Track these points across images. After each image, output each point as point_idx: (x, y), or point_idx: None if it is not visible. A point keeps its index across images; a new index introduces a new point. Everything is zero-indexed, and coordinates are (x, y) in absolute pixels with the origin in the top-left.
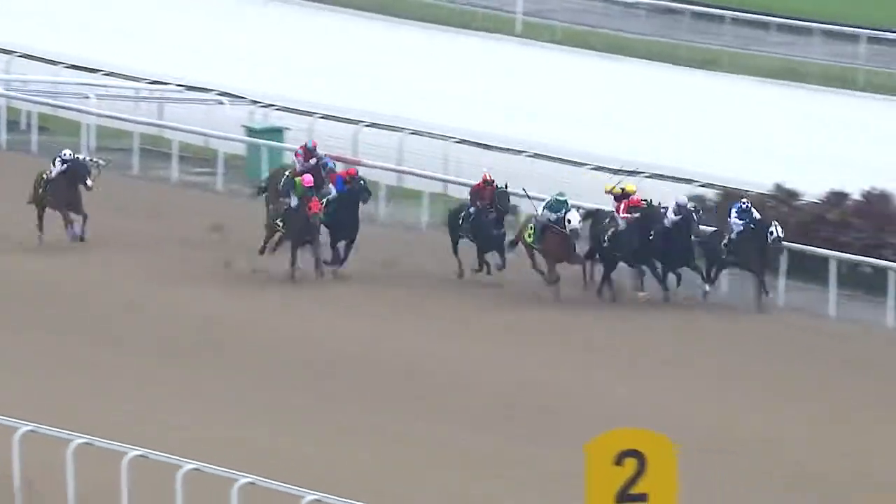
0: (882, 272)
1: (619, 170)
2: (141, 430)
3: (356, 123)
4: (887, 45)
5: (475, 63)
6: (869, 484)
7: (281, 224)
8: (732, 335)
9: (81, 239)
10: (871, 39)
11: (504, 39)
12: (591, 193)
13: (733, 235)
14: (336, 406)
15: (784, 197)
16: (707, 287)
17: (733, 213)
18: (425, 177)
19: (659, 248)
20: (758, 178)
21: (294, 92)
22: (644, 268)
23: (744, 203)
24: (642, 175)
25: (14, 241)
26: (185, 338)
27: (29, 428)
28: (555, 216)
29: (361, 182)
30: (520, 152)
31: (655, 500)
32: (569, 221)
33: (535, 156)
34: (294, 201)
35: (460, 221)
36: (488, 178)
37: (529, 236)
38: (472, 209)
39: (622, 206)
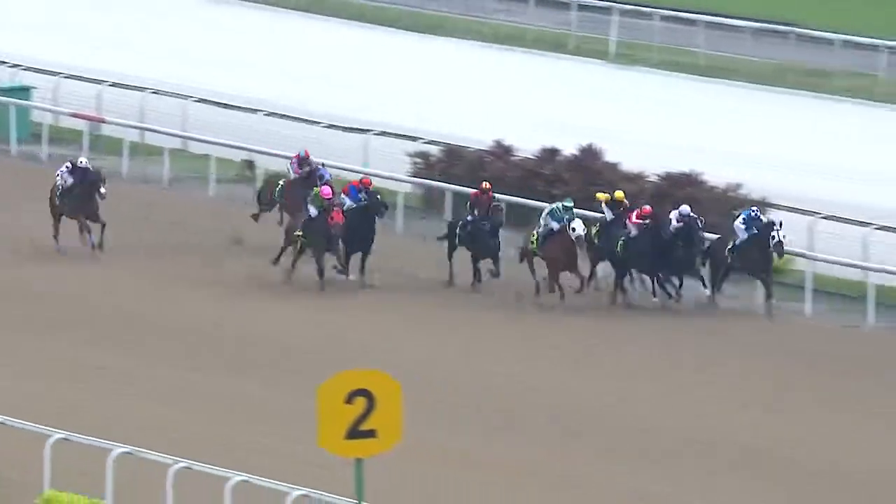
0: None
1: (350, 128)
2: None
3: (100, 83)
4: (600, 12)
5: (215, 24)
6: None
7: (301, 235)
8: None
9: (99, 247)
10: (582, 6)
11: (247, 4)
12: (329, 151)
13: (738, 242)
14: None
15: (501, 153)
16: (708, 293)
17: (740, 221)
18: (166, 133)
19: (664, 255)
20: (480, 135)
21: (40, 52)
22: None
23: (753, 211)
24: (372, 133)
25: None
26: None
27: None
28: (558, 224)
29: (377, 196)
30: (255, 111)
31: (383, 436)
32: (573, 229)
33: (271, 114)
34: (314, 212)
35: (458, 231)
36: (486, 186)
37: (533, 244)
38: (469, 218)
39: (634, 213)
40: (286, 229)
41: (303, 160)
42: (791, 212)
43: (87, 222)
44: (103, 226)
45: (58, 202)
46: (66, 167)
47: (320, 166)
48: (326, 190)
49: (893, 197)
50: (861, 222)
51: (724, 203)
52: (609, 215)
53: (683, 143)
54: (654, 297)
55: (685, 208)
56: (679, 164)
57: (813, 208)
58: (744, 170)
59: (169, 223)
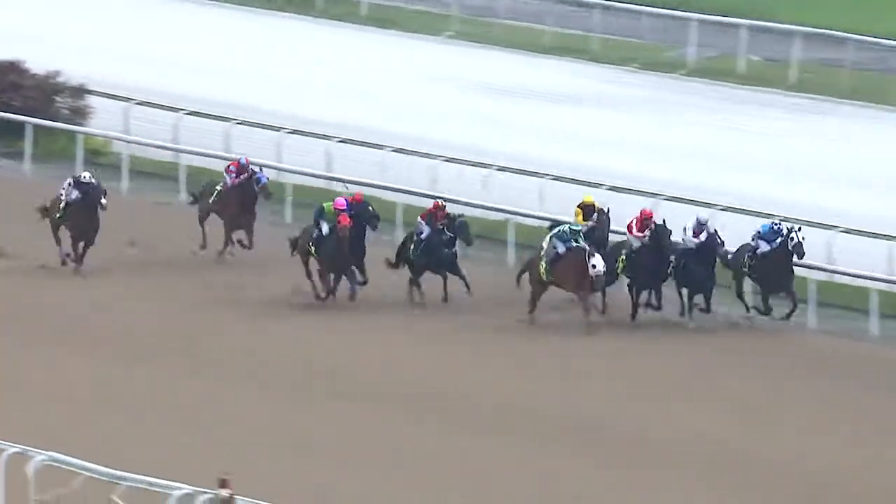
0: None
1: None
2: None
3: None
4: None
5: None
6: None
7: (314, 250)
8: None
9: (75, 260)
10: None
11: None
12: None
13: (758, 253)
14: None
15: None
16: (748, 311)
17: (760, 232)
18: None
19: (683, 271)
20: None
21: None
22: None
23: (775, 225)
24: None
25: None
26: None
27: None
28: (564, 246)
29: (370, 208)
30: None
31: None
32: (594, 266)
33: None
34: (325, 227)
35: (411, 246)
36: (440, 204)
37: (543, 273)
38: (422, 233)
39: (634, 223)
40: (299, 251)
41: (242, 167)
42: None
43: (83, 241)
44: (89, 244)
45: (58, 215)
46: (70, 182)
47: (258, 170)
48: (340, 201)
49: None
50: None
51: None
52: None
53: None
54: (658, 308)
55: (703, 216)
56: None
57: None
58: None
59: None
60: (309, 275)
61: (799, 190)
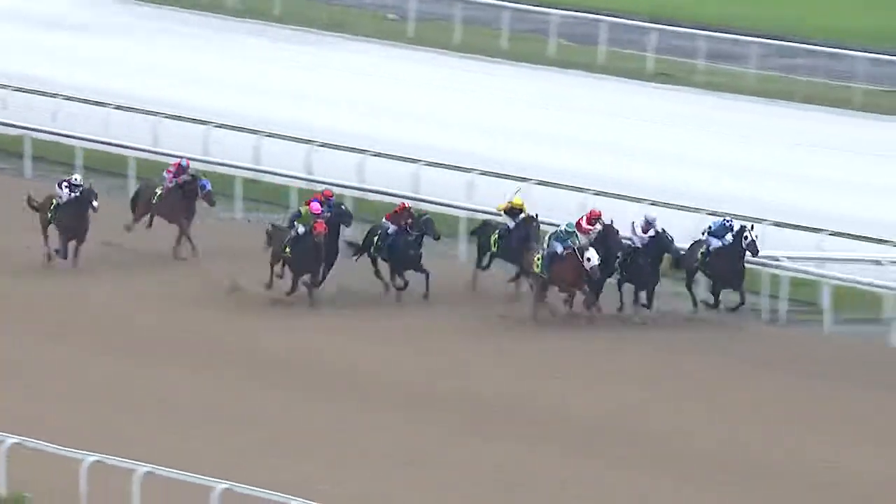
0: None
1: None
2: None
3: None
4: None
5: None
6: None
7: (288, 251)
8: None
9: (63, 257)
10: None
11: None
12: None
13: (710, 249)
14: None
15: None
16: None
17: (711, 228)
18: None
19: (630, 267)
20: None
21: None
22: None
23: (727, 221)
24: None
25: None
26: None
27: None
28: (562, 246)
29: (342, 207)
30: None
31: None
32: (588, 259)
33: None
34: (301, 230)
35: (376, 240)
36: (406, 205)
37: (538, 267)
38: (389, 229)
39: (583, 219)
40: (272, 251)
41: (182, 169)
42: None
43: (74, 240)
44: (81, 243)
45: (49, 216)
46: (64, 184)
47: (202, 178)
48: (315, 206)
49: None
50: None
51: None
52: (511, 223)
53: None
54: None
55: (651, 215)
56: None
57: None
58: None
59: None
60: (273, 271)
61: None
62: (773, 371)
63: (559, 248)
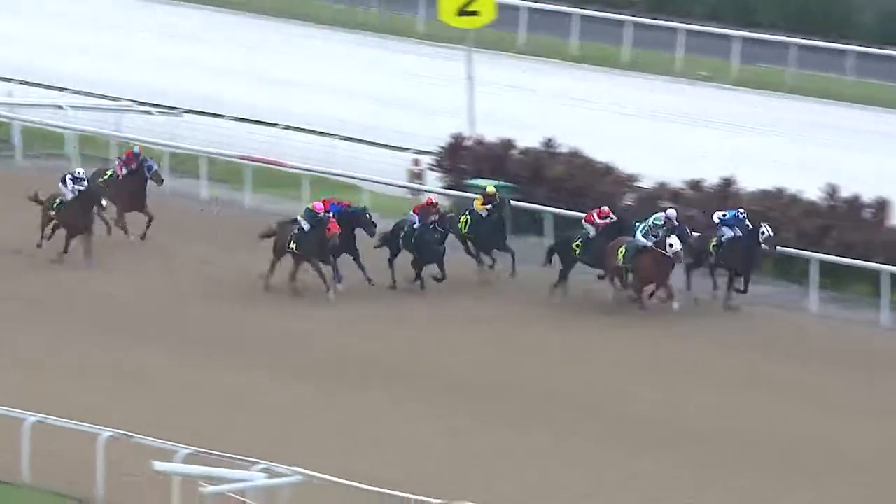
0: None
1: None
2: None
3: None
4: None
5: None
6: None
7: (294, 247)
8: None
9: (64, 251)
10: None
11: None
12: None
13: (724, 240)
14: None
15: None
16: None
17: (723, 218)
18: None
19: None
20: None
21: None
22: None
23: (740, 213)
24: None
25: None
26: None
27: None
28: (646, 239)
29: (367, 215)
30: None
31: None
32: (671, 245)
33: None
34: (306, 225)
35: (401, 235)
36: (433, 200)
37: (622, 259)
38: (415, 225)
39: (594, 214)
40: (274, 245)
41: (134, 156)
42: None
43: (79, 236)
44: (90, 236)
45: (52, 212)
46: (69, 178)
47: (148, 159)
48: (318, 205)
49: None
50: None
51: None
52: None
53: None
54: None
55: (671, 212)
56: None
57: None
58: None
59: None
60: (273, 265)
61: None
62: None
63: (644, 241)
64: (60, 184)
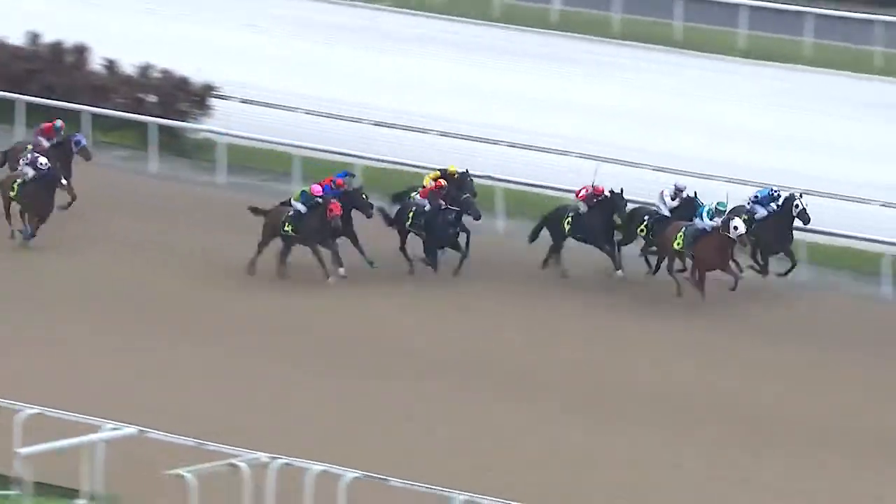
0: None
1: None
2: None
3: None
4: None
5: None
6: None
7: (290, 229)
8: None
9: (32, 236)
10: None
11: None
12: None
13: (757, 218)
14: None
15: None
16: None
17: (757, 197)
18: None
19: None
20: None
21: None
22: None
23: (774, 191)
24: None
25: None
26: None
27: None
28: (711, 223)
29: (363, 196)
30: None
31: None
32: (735, 227)
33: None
34: (302, 208)
35: (411, 215)
36: (444, 181)
37: (679, 243)
38: (426, 207)
39: (582, 191)
40: (263, 226)
41: (56, 130)
42: None
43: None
44: (43, 220)
45: (12, 193)
46: (30, 159)
47: (75, 133)
48: (317, 188)
49: None
50: None
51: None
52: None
53: None
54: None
55: (681, 184)
56: None
57: None
58: None
59: None
60: (261, 248)
61: None
62: None
63: (705, 225)
64: (24, 164)
